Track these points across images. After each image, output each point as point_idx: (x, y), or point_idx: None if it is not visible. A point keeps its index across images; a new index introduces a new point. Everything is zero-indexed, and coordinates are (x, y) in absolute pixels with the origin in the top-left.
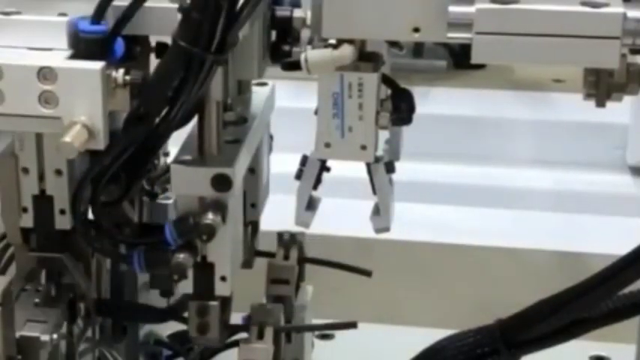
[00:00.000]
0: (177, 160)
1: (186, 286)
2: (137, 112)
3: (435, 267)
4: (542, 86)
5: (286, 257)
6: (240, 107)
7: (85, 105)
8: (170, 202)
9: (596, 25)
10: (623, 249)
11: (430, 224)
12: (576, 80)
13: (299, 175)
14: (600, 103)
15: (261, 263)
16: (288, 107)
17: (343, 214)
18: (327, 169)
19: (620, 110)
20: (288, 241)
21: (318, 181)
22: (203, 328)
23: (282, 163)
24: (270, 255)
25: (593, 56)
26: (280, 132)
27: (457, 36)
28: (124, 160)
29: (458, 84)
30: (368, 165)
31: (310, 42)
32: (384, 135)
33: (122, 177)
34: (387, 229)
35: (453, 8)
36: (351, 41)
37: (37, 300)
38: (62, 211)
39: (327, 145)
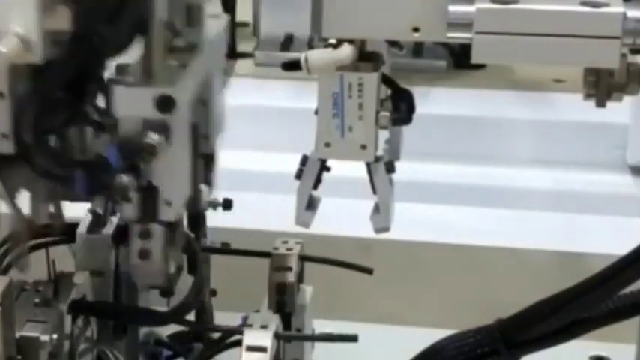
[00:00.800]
0: (119, 81)
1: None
2: (78, 31)
3: (435, 267)
4: (542, 86)
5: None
6: (190, 36)
7: (19, 16)
8: None
9: (596, 25)
10: (623, 249)
11: (430, 224)
12: (576, 80)
13: (299, 175)
14: (600, 103)
15: (260, 264)
16: (288, 107)
17: (343, 214)
18: (327, 169)
19: (620, 110)
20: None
21: (318, 181)
22: (145, 253)
23: (282, 163)
24: (269, 255)
25: (593, 56)
26: (280, 132)
27: (457, 36)
28: (66, 84)
29: (458, 84)
30: (368, 165)
31: (310, 42)
32: (384, 135)
33: (65, 101)
34: (387, 229)
35: (453, 8)
36: (351, 41)
37: (37, 300)
38: (4, 135)
39: (327, 145)
